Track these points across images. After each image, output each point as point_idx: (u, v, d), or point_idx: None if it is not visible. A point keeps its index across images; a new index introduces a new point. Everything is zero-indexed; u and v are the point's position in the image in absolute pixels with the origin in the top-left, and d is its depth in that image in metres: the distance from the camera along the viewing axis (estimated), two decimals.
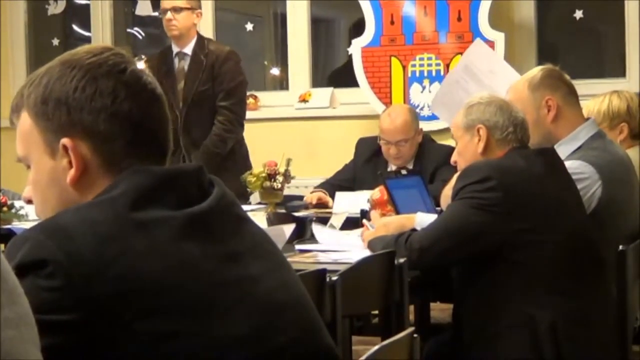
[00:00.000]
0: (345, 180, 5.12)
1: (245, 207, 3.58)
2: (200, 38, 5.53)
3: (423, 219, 3.39)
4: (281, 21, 6.72)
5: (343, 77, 6.39)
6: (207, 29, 6.38)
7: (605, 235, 3.23)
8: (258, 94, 6.51)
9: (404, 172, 4.49)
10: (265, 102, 6.54)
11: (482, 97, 3.31)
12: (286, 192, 4.72)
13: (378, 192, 4.16)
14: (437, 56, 5.86)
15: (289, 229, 3.36)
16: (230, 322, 1.47)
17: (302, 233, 3.79)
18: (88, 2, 7.00)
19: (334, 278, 2.67)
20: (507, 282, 2.99)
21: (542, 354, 2.93)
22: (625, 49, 5.89)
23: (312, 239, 3.76)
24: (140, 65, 1.64)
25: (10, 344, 1.13)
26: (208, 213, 1.53)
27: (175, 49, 5.51)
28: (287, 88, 6.63)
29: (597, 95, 4.17)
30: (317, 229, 3.77)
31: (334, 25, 7.18)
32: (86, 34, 7.07)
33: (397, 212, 3.67)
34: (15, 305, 1.17)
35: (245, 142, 5.53)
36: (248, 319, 1.49)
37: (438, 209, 3.78)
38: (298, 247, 3.54)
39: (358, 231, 3.66)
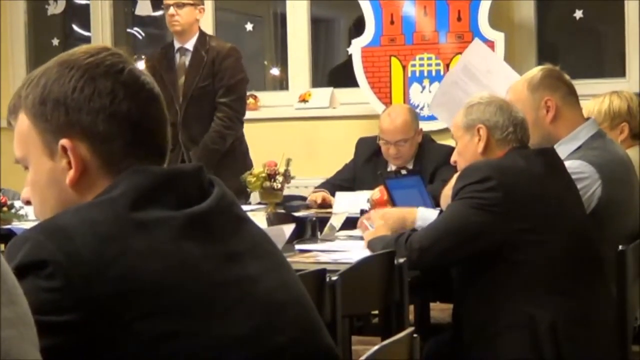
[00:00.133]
0: (345, 180, 5.12)
1: (245, 207, 3.60)
2: (202, 34, 5.54)
3: (425, 214, 3.40)
4: (281, 21, 6.72)
5: (343, 76, 6.39)
6: (207, 28, 6.36)
7: (605, 235, 3.23)
8: (258, 94, 6.51)
9: (403, 172, 4.49)
10: (265, 102, 6.54)
11: (482, 97, 3.31)
12: (286, 192, 4.72)
13: (378, 192, 4.17)
14: (437, 56, 5.86)
15: (288, 229, 3.36)
16: (230, 322, 1.47)
17: (302, 233, 3.79)
18: (88, 2, 7.00)
19: (334, 278, 2.67)
20: (507, 282, 2.99)
21: (542, 354, 2.93)
22: (625, 48, 5.89)
23: (312, 239, 3.76)
24: (140, 65, 1.63)
25: (9, 343, 1.13)
26: (208, 213, 1.53)
27: (177, 44, 5.52)
28: (287, 88, 6.63)
29: (597, 96, 4.18)
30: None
31: (333, 25, 7.18)
32: (86, 34, 7.07)
33: (391, 200, 3.65)
34: (15, 305, 1.17)
35: (245, 140, 5.53)
36: (248, 319, 1.49)
37: (438, 209, 3.78)
38: (298, 247, 3.54)
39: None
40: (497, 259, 2.99)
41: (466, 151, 3.25)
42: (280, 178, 4.53)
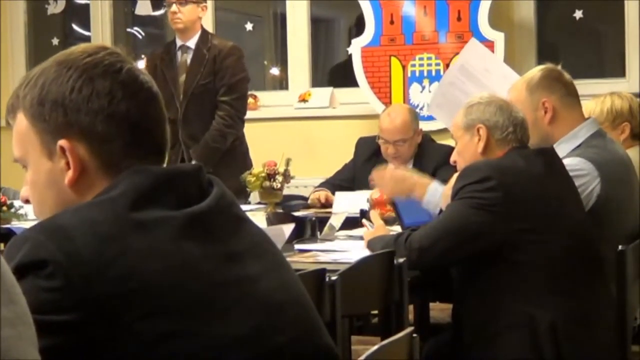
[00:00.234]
0: (345, 180, 5.12)
1: (244, 207, 3.60)
2: (204, 32, 5.53)
3: (434, 195, 3.43)
4: (281, 21, 6.72)
5: (343, 75, 6.39)
6: (206, 28, 6.37)
7: (604, 235, 3.23)
8: (258, 93, 6.50)
9: None
10: (265, 102, 6.54)
11: (482, 97, 3.31)
12: (286, 192, 4.72)
13: (377, 192, 4.17)
14: (436, 56, 5.86)
15: (288, 228, 3.36)
16: (230, 322, 1.47)
17: (302, 233, 3.79)
18: (88, 1, 7.00)
19: (334, 278, 2.67)
20: (507, 282, 2.99)
21: (542, 354, 2.93)
22: (625, 48, 5.89)
23: (312, 239, 3.77)
24: (140, 64, 1.62)
25: (8, 343, 1.13)
26: (207, 213, 1.53)
27: (178, 42, 5.51)
28: (286, 88, 6.63)
29: (597, 96, 4.18)
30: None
31: (333, 25, 7.18)
32: (86, 33, 7.07)
33: (397, 212, 3.67)
34: (14, 304, 1.16)
35: (245, 140, 5.53)
36: (248, 318, 1.49)
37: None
38: (297, 246, 3.54)
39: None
40: (497, 259, 2.99)
41: (466, 151, 3.25)
42: (279, 178, 4.53)
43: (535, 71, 3.62)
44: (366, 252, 3.23)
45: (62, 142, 1.54)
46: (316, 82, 6.56)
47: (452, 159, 3.41)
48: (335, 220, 3.92)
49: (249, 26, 6.72)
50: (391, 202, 3.77)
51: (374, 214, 3.60)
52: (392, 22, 5.96)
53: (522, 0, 6.05)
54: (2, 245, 3.97)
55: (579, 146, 3.48)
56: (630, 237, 3.33)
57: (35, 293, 1.36)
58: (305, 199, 5.09)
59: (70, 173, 1.55)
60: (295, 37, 6.51)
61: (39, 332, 1.21)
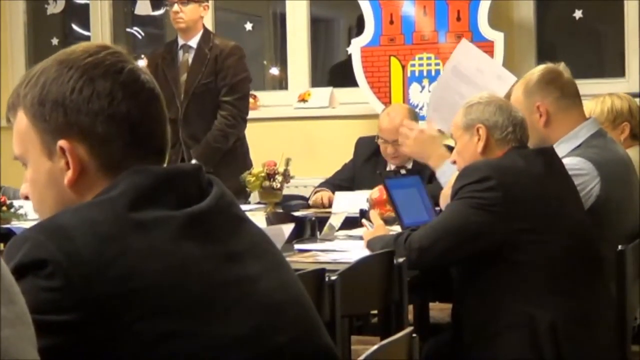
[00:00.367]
0: (345, 179, 5.12)
1: (244, 207, 3.60)
2: (206, 31, 5.53)
3: (446, 173, 3.47)
4: (280, 21, 6.72)
5: (342, 75, 6.39)
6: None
7: (604, 234, 3.23)
8: (257, 93, 6.50)
9: (403, 171, 4.49)
10: (265, 102, 6.54)
11: (481, 96, 3.32)
12: (285, 191, 4.72)
13: (377, 192, 4.17)
14: (436, 56, 5.86)
15: (288, 228, 3.36)
16: (230, 322, 1.47)
17: (302, 233, 3.79)
18: (87, 1, 7.01)
19: (333, 278, 2.66)
20: (507, 281, 2.99)
21: (542, 354, 2.93)
22: (624, 48, 5.89)
23: (312, 239, 3.77)
24: (140, 63, 1.61)
25: (8, 343, 1.13)
26: (207, 213, 1.53)
27: (180, 41, 5.51)
28: (286, 88, 6.63)
29: (597, 96, 4.18)
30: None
31: (333, 24, 7.18)
32: (86, 33, 7.07)
33: (396, 212, 3.67)
34: (13, 304, 1.16)
35: (246, 140, 5.52)
36: (248, 319, 1.49)
37: (437, 208, 3.78)
38: (297, 246, 3.54)
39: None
40: (497, 259, 2.99)
41: (465, 151, 3.25)
42: (279, 178, 4.53)
43: (533, 73, 3.62)
44: (366, 252, 3.23)
45: (61, 143, 1.54)
46: (316, 82, 6.56)
47: (452, 158, 3.41)
48: (335, 220, 3.92)
49: (248, 26, 6.72)
50: (391, 202, 3.77)
51: (374, 214, 3.60)
52: (391, 22, 5.96)
53: (521, 0, 6.05)
54: (2, 245, 3.97)
55: (579, 146, 3.49)
56: (630, 236, 3.33)
57: (35, 293, 1.36)
58: (305, 199, 5.09)
59: (69, 173, 1.54)
60: (295, 37, 6.51)
61: (39, 332, 1.21)
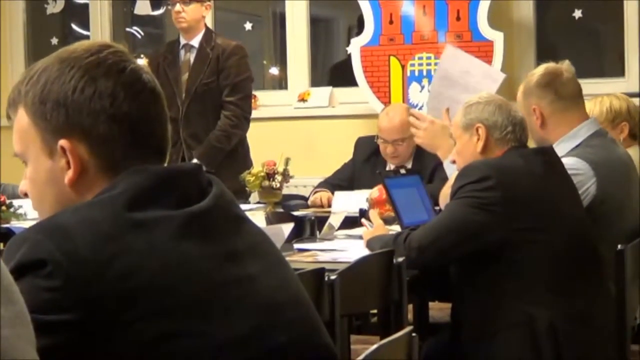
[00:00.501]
0: (344, 179, 5.12)
1: (244, 207, 3.60)
2: (208, 31, 5.52)
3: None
4: (280, 20, 6.72)
5: (342, 75, 6.39)
6: None
7: (602, 234, 3.24)
8: (257, 93, 6.49)
9: (402, 171, 4.49)
10: (264, 102, 6.54)
11: (481, 96, 3.32)
12: (285, 191, 4.72)
13: (377, 191, 4.17)
14: (436, 55, 5.85)
15: (287, 228, 3.36)
16: (230, 322, 1.47)
17: (301, 232, 3.80)
18: (87, 1, 7.01)
19: (333, 277, 2.67)
20: (506, 281, 2.99)
21: (541, 353, 2.93)
22: (624, 48, 5.89)
23: (311, 238, 3.77)
24: (139, 62, 1.61)
25: (7, 343, 1.13)
26: (207, 212, 1.53)
27: (182, 40, 5.50)
28: (286, 87, 6.63)
29: (595, 96, 4.18)
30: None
31: (333, 24, 7.18)
32: (85, 33, 7.07)
33: (396, 212, 3.68)
34: (12, 304, 1.16)
35: (247, 141, 5.52)
36: (247, 318, 1.49)
37: (437, 208, 3.78)
38: (297, 246, 3.54)
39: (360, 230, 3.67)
40: (496, 258, 2.99)
41: (465, 150, 3.26)
42: (279, 177, 4.53)
43: (533, 74, 3.66)
44: (365, 252, 3.23)
45: (62, 142, 1.53)
46: (315, 81, 6.56)
47: (451, 158, 3.41)
48: (335, 220, 3.92)
49: (248, 26, 6.72)
50: (390, 202, 3.77)
51: (373, 214, 3.60)
52: (391, 22, 5.96)
53: (521, 0, 6.05)
54: (2, 245, 3.97)
55: (577, 146, 3.50)
56: (629, 236, 3.33)
57: (35, 293, 1.36)
58: (305, 198, 5.09)
59: (70, 173, 1.54)
60: (295, 37, 6.51)
61: (38, 332, 1.21)
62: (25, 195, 1.64)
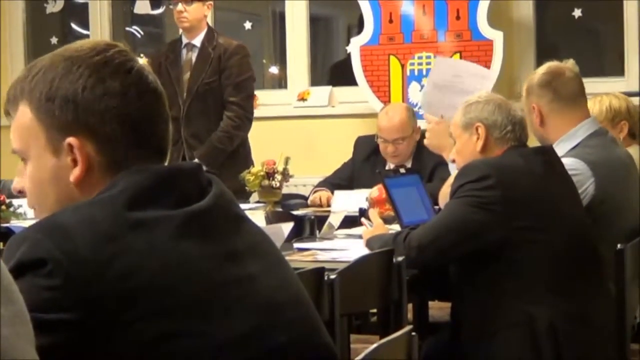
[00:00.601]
0: (344, 179, 5.12)
1: (244, 206, 3.59)
2: (210, 30, 5.51)
3: None
4: (280, 20, 6.72)
5: (342, 74, 6.39)
6: None
7: (602, 233, 3.24)
8: (257, 92, 6.47)
9: (402, 170, 4.49)
10: (264, 101, 6.54)
11: (480, 95, 3.32)
12: (285, 190, 4.72)
13: (377, 191, 4.17)
14: (435, 55, 5.85)
15: (287, 227, 3.36)
16: (230, 322, 1.47)
17: (301, 231, 3.79)
18: (87, 0, 7.00)
19: (332, 276, 2.67)
20: (506, 280, 2.99)
21: (541, 353, 2.93)
22: (624, 47, 5.89)
23: (311, 238, 3.77)
24: (140, 61, 1.62)
25: (7, 342, 1.12)
26: (207, 212, 1.53)
27: (184, 40, 5.49)
28: (285, 87, 6.63)
29: (595, 95, 4.19)
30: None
31: (332, 23, 7.18)
32: (85, 32, 7.06)
33: (396, 211, 3.68)
34: (12, 303, 1.16)
35: (248, 141, 5.51)
36: (247, 318, 1.49)
37: (436, 207, 3.78)
38: (296, 245, 3.54)
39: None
40: (496, 258, 2.99)
41: (465, 150, 3.25)
42: (278, 177, 4.53)
43: (535, 73, 3.69)
44: (365, 251, 3.23)
45: (71, 140, 1.53)
46: (315, 80, 6.56)
47: (451, 157, 3.41)
48: (334, 219, 3.93)
49: (247, 25, 6.72)
50: (390, 201, 3.77)
51: (373, 213, 3.60)
52: (391, 21, 5.95)
53: None
54: (1, 244, 3.97)
55: (576, 145, 3.50)
56: (629, 235, 3.33)
57: (35, 291, 1.36)
58: (305, 197, 5.09)
59: (77, 170, 1.54)
60: (294, 36, 6.51)
61: (38, 331, 1.21)
62: (20, 192, 1.63)
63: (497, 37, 5.74)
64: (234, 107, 5.35)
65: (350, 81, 6.11)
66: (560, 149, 3.45)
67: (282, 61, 6.73)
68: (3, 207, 4.20)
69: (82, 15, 7.05)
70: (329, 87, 6.43)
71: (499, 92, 3.98)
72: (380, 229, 3.43)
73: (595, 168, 3.39)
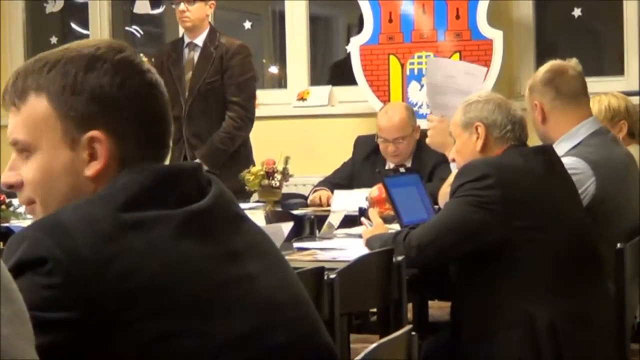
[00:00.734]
0: (344, 178, 5.12)
1: (243, 205, 3.59)
2: (212, 30, 5.50)
3: None
4: (279, 19, 6.72)
5: (342, 73, 6.39)
6: None
7: (602, 233, 3.24)
8: (256, 92, 6.49)
9: (402, 170, 4.49)
10: (264, 100, 6.53)
11: (480, 95, 3.32)
12: (285, 190, 4.71)
13: (376, 190, 4.17)
14: (435, 54, 5.85)
15: (287, 227, 3.36)
16: (230, 321, 1.47)
17: (301, 231, 3.79)
18: (86, 0, 7.00)
19: (332, 276, 2.67)
20: (506, 280, 2.99)
21: (541, 353, 2.93)
22: (623, 47, 5.89)
23: (311, 237, 3.77)
24: None
25: (6, 342, 1.12)
26: (206, 211, 1.53)
27: (186, 39, 5.49)
28: (285, 86, 6.63)
29: (593, 95, 4.18)
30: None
31: (332, 23, 7.18)
32: (84, 32, 7.07)
33: (395, 210, 3.68)
34: (11, 302, 1.16)
35: (249, 142, 5.51)
36: (247, 318, 1.49)
37: (436, 207, 3.78)
38: (296, 245, 3.54)
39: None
40: (496, 257, 2.99)
41: (464, 149, 3.25)
42: (278, 176, 4.52)
43: (539, 71, 3.70)
44: (365, 251, 3.23)
45: (95, 134, 1.53)
46: (315, 80, 6.56)
47: (451, 156, 3.41)
48: (334, 219, 3.92)
49: (247, 24, 6.72)
50: (390, 201, 3.77)
51: (373, 212, 3.60)
52: (390, 21, 5.95)
53: None
54: (1, 244, 3.97)
55: (577, 145, 3.50)
56: (629, 235, 3.33)
57: (34, 290, 1.36)
58: (304, 197, 5.08)
59: (97, 164, 1.53)
60: (294, 36, 6.51)
61: (38, 330, 1.21)
62: (10, 187, 1.60)
63: (496, 36, 5.73)
64: (235, 107, 5.35)
65: (350, 81, 6.11)
66: (562, 147, 3.45)
67: (281, 61, 6.72)
68: (3, 207, 4.20)
69: (81, 14, 7.05)
70: (329, 87, 6.42)
71: (499, 92, 3.99)
72: (380, 229, 3.43)
73: (596, 167, 3.39)
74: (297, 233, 3.67)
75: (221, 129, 5.32)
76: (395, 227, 3.58)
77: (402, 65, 5.94)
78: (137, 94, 1.56)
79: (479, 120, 3.21)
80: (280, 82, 6.83)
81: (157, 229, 1.46)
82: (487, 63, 5.62)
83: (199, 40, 5.45)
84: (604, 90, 4.35)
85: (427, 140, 4.20)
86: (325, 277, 2.66)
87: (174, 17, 5.62)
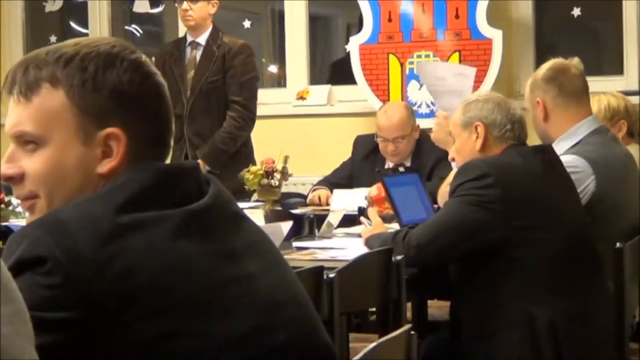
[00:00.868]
0: (343, 177, 5.13)
1: (243, 205, 3.59)
2: (215, 29, 5.50)
3: None
4: (279, 18, 6.72)
5: (341, 73, 6.39)
6: None
7: (601, 232, 3.24)
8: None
9: (401, 169, 4.49)
10: (263, 100, 6.51)
11: (479, 94, 3.33)
12: (284, 189, 4.71)
13: (376, 190, 4.17)
14: (434, 53, 5.86)
15: (286, 226, 3.36)
16: (230, 321, 1.47)
17: (300, 230, 3.79)
18: None
19: (331, 275, 2.67)
20: (506, 279, 2.99)
21: (541, 352, 2.93)
22: (623, 46, 5.89)
23: (310, 236, 3.77)
24: None
25: (6, 341, 1.12)
26: (205, 211, 1.53)
27: (189, 38, 5.49)
28: (284, 85, 6.62)
29: (593, 95, 4.18)
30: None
31: (331, 22, 7.18)
32: (84, 31, 7.06)
33: (395, 210, 3.68)
34: (11, 302, 1.16)
35: (251, 141, 5.51)
36: (247, 317, 1.49)
37: (435, 206, 3.78)
38: (295, 244, 3.54)
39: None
40: (495, 256, 2.99)
41: (464, 148, 3.25)
42: (277, 175, 4.52)
43: (541, 68, 3.70)
44: (364, 250, 3.24)
45: (113, 130, 1.53)
46: (314, 79, 6.55)
47: (450, 156, 3.41)
48: (333, 218, 3.92)
49: (247, 24, 6.72)
50: (389, 200, 3.77)
51: (372, 212, 3.60)
52: (390, 20, 5.95)
53: None
54: (1, 243, 3.97)
55: (577, 143, 3.50)
56: (628, 234, 3.33)
57: (34, 290, 1.36)
58: (304, 196, 5.08)
59: (113, 161, 1.53)
60: (293, 35, 6.51)
61: (37, 329, 1.21)
62: (8, 179, 1.57)
63: (496, 36, 5.74)
64: (237, 107, 5.35)
65: (350, 80, 6.11)
66: (561, 146, 3.45)
67: (281, 60, 6.72)
68: (2, 206, 4.20)
69: (81, 13, 7.04)
70: (328, 86, 6.42)
71: (498, 91, 3.99)
72: (380, 228, 3.43)
73: (596, 166, 3.39)
74: (296, 232, 3.67)
75: (222, 128, 5.32)
76: (395, 226, 3.58)
77: (402, 65, 5.94)
78: (152, 94, 1.57)
79: (479, 119, 3.21)
80: (279, 81, 6.83)
81: (157, 228, 1.46)
82: (486, 62, 5.63)
83: (202, 39, 5.45)
84: (603, 90, 4.35)
85: (432, 137, 4.21)
86: (325, 277, 2.66)
87: (173, 16, 5.62)
